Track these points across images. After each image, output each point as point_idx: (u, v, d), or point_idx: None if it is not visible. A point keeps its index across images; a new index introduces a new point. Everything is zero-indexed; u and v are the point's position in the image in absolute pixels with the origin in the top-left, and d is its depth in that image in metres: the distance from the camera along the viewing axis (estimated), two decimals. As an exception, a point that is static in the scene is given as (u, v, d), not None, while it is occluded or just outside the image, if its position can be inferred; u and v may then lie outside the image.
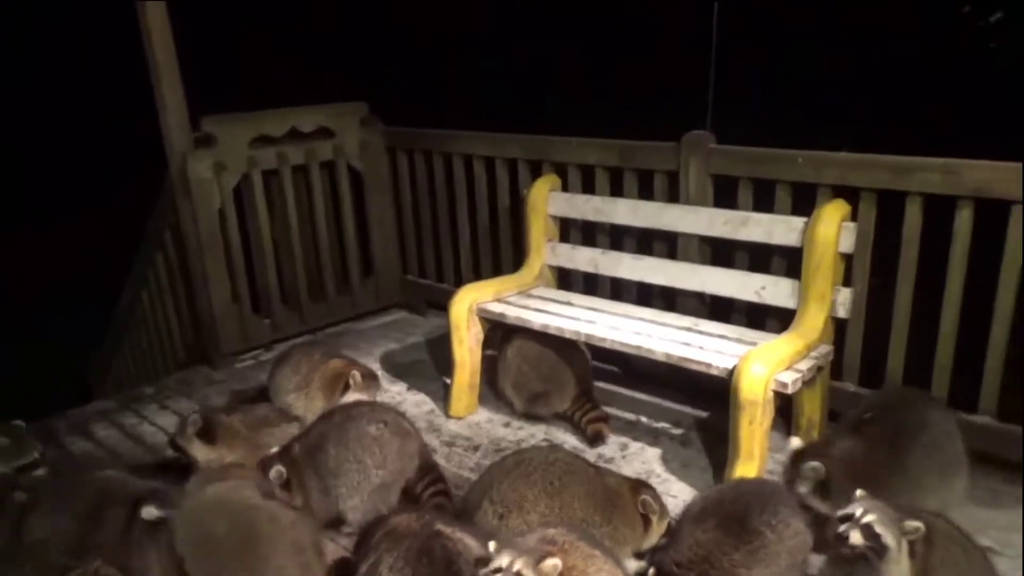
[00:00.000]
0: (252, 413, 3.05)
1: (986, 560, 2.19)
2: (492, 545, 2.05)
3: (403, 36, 6.16)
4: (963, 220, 2.89)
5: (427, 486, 2.87)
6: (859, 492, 2.13)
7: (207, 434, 2.88)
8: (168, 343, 4.81)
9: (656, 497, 2.60)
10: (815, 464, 2.49)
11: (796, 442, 2.68)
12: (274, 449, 2.75)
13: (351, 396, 3.18)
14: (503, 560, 2.00)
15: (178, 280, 4.53)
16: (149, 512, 2.36)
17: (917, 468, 2.53)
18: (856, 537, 2.03)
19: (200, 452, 2.87)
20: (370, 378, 3.27)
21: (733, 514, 2.23)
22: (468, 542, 2.26)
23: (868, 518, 2.04)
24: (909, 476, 2.51)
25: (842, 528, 2.06)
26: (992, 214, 2.84)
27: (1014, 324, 2.87)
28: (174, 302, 4.66)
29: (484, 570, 2.01)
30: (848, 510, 2.09)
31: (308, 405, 3.24)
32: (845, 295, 3.09)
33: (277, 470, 2.66)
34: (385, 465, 2.78)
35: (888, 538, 2.02)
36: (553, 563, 2.00)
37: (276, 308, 4.52)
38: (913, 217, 3.00)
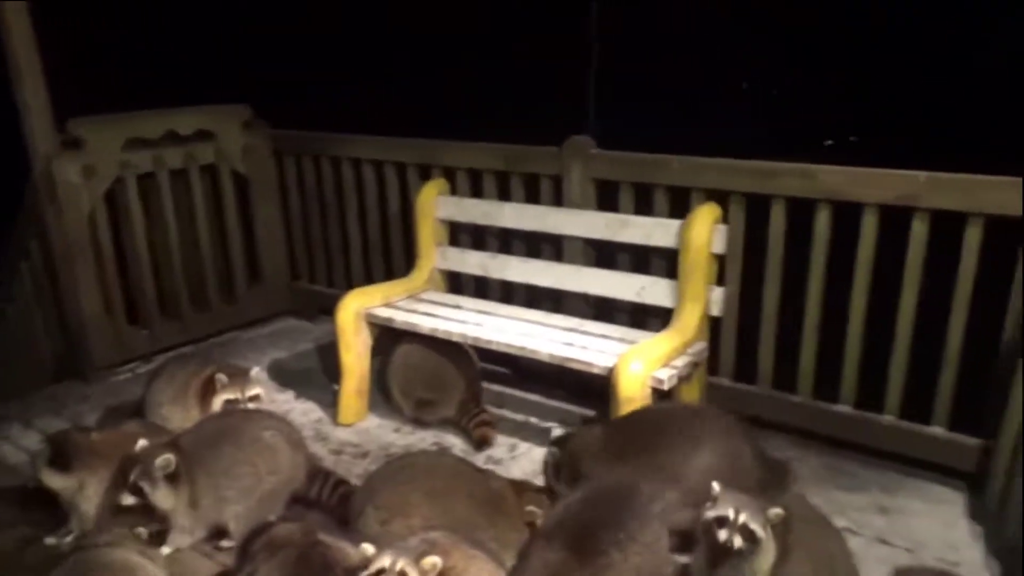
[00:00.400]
0: (116, 429, 2.87)
1: (840, 539, 2.33)
2: (368, 548, 2.04)
3: (290, 39, 6.04)
4: (821, 221, 3.08)
5: (322, 485, 2.88)
6: (716, 486, 2.19)
7: (60, 460, 2.63)
8: (36, 357, 4.53)
9: (541, 500, 2.62)
10: (552, 449, 2.75)
11: (556, 432, 2.87)
12: (142, 443, 2.61)
13: (221, 397, 3.08)
14: (385, 561, 2.00)
15: (46, 290, 4.27)
16: None
17: (639, 461, 2.60)
18: (739, 541, 2.05)
19: (57, 482, 2.64)
20: (239, 376, 3.16)
21: (580, 533, 2.18)
22: (349, 551, 2.24)
23: (743, 518, 2.06)
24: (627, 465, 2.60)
25: (723, 536, 2.05)
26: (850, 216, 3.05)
27: (868, 319, 3.08)
28: (42, 313, 4.38)
29: (365, 573, 2.00)
30: (720, 512, 2.09)
31: (185, 416, 3.11)
32: (718, 294, 3.24)
33: (166, 458, 2.53)
34: (276, 472, 2.75)
35: (761, 531, 2.08)
36: (432, 560, 2.01)
37: (154, 318, 4.33)
38: (778, 219, 3.17)
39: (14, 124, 3.85)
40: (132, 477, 2.51)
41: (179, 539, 2.66)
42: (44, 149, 3.83)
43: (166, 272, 4.41)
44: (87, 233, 3.97)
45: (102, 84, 5.07)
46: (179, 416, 3.13)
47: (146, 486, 2.51)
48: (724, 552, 2.07)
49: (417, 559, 2.01)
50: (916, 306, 2.97)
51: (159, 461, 2.52)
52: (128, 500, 2.52)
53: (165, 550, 2.62)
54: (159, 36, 5.74)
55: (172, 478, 2.54)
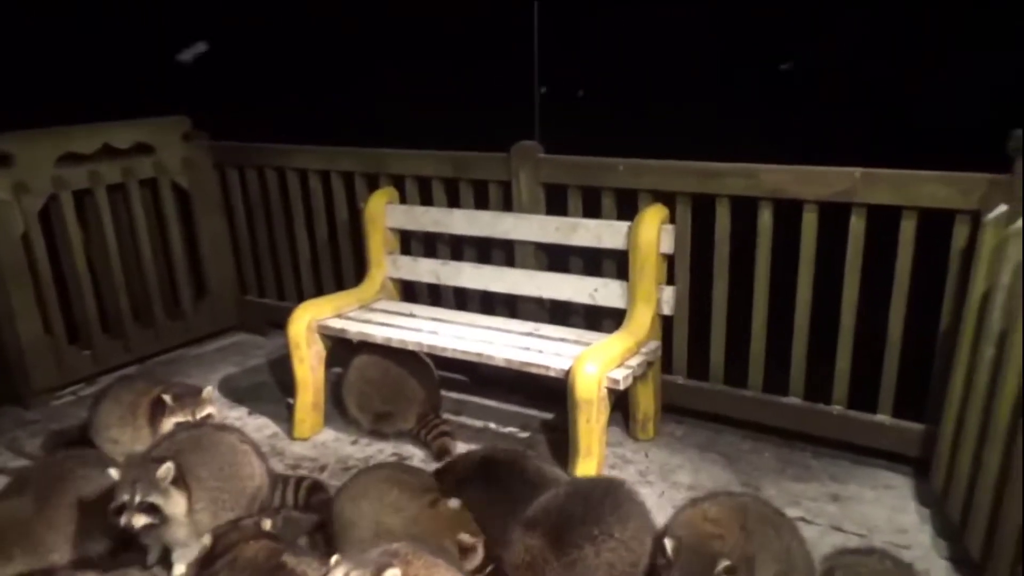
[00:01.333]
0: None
1: (795, 530, 2.38)
2: (333, 559, 2.02)
3: (230, 47, 5.92)
4: (765, 219, 3.15)
5: (284, 489, 2.92)
6: (670, 546, 2.11)
7: None
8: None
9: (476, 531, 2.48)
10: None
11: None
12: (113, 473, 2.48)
13: (171, 419, 2.99)
14: (339, 572, 1.98)
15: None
16: None
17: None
18: None
19: None
20: (189, 396, 3.08)
21: (558, 524, 2.23)
22: (311, 573, 2.21)
23: None
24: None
25: None
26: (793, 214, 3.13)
27: (813, 312, 3.16)
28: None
29: None
30: None
31: (135, 437, 3.02)
32: (669, 293, 3.29)
33: (167, 467, 2.42)
34: (254, 477, 2.74)
35: None
36: (392, 572, 1.98)
37: (96, 338, 4.19)
38: (723, 218, 3.24)
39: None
40: (138, 498, 2.38)
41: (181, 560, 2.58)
42: (-29, 167, 3.69)
43: (108, 290, 4.28)
44: (22, 253, 3.83)
45: (32, 97, 4.89)
46: (129, 438, 3.04)
47: (158, 500, 2.40)
48: None
49: (376, 571, 1.98)
50: (858, 298, 3.06)
51: (160, 471, 2.41)
52: (142, 521, 2.39)
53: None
54: (92, 46, 5.56)
55: (175, 483, 2.45)
